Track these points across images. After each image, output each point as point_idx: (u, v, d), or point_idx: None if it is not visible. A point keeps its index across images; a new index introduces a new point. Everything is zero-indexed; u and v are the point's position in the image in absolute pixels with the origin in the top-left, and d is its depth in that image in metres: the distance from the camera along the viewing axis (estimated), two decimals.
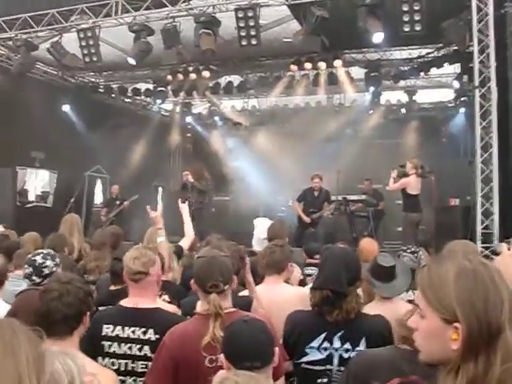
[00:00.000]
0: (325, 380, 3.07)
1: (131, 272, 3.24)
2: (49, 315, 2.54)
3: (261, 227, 7.62)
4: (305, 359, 3.10)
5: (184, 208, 5.61)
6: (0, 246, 5.65)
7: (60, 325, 2.54)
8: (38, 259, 3.95)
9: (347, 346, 3.05)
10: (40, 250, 4.19)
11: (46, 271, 3.89)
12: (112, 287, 4.13)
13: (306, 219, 11.31)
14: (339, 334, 3.06)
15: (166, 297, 3.98)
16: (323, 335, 3.08)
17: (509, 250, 2.24)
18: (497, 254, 2.32)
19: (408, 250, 4.48)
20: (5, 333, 1.15)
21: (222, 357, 2.36)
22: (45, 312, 2.56)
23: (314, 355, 3.09)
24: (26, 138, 12.82)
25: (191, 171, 12.64)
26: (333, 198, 11.90)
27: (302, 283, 4.79)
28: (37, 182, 14.66)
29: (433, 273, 1.48)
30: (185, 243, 5.43)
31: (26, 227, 7.70)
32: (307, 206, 11.50)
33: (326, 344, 3.07)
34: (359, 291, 3.56)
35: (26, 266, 3.97)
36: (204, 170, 12.77)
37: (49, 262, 3.95)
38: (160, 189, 17.51)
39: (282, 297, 3.84)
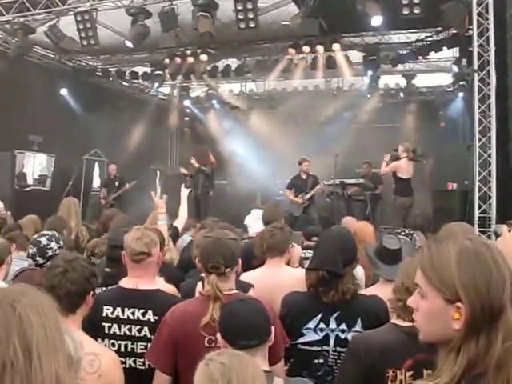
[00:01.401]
0: (321, 360, 3.10)
1: (133, 253, 3.19)
2: (52, 290, 2.50)
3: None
4: (301, 340, 3.13)
5: (184, 191, 5.82)
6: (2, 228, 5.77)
7: (63, 301, 2.50)
8: (43, 240, 4.06)
9: (343, 326, 3.07)
10: (46, 232, 4.28)
11: (50, 253, 4.00)
12: (107, 269, 4.15)
13: (299, 201, 11.41)
14: (335, 314, 3.08)
15: (162, 279, 4.01)
16: (319, 316, 3.10)
17: (509, 231, 2.25)
18: (498, 235, 2.34)
19: (403, 233, 4.50)
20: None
21: (219, 336, 2.38)
22: (48, 287, 2.52)
23: (310, 336, 3.11)
24: (24, 121, 12.78)
25: (197, 155, 12.58)
26: (330, 181, 11.92)
27: (301, 263, 4.78)
28: (35, 165, 14.64)
29: (434, 252, 1.47)
30: (179, 224, 5.57)
31: (24, 211, 7.75)
32: (297, 190, 11.61)
33: (322, 325, 3.09)
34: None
35: (30, 246, 4.10)
36: (209, 153, 12.70)
37: (53, 244, 4.06)
38: (158, 172, 17.52)
39: (284, 279, 3.81)
